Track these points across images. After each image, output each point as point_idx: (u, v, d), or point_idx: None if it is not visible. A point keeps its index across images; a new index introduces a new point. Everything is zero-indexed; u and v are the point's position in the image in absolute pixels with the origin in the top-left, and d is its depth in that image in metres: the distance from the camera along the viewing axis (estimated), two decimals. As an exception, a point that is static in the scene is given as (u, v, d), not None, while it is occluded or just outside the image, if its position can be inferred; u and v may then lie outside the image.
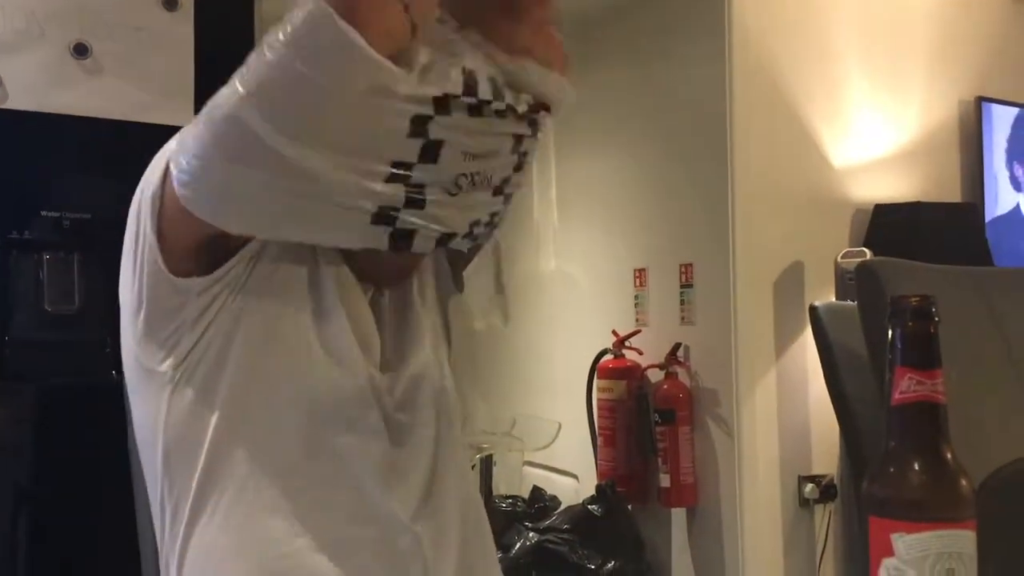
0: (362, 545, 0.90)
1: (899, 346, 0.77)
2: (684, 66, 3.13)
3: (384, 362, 0.97)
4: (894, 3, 3.33)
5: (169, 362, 0.90)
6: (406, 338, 1.00)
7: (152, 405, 0.93)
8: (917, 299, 0.77)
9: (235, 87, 0.77)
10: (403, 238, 0.82)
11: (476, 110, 0.82)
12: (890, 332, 0.78)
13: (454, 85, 0.80)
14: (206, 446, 0.90)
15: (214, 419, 0.90)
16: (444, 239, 0.85)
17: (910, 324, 0.77)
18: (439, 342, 1.06)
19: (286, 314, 0.91)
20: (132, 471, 1.10)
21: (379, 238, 0.81)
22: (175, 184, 0.82)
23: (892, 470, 0.76)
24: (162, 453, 0.92)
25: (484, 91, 0.82)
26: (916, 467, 0.75)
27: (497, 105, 0.83)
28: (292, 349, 0.91)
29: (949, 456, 0.75)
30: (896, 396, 0.76)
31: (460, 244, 0.89)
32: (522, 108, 0.85)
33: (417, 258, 1.01)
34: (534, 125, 0.90)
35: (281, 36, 0.76)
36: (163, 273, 0.88)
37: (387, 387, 0.96)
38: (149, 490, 0.96)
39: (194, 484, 0.90)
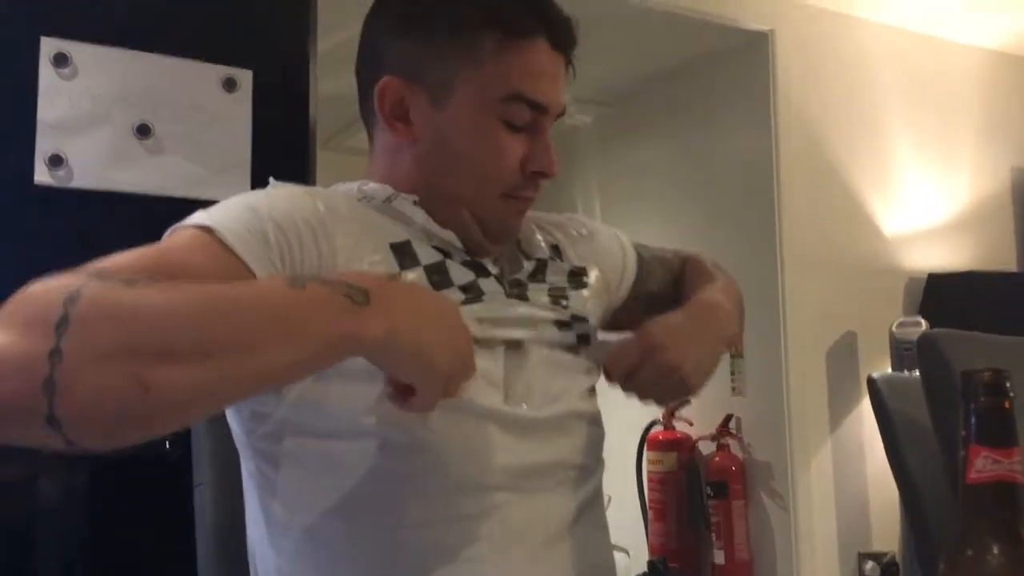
0: None
1: (972, 423, 0.74)
2: (730, 135, 3.14)
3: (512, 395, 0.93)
4: (942, 72, 3.32)
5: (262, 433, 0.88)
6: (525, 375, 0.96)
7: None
8: (989, 373, 0.75)
9: None
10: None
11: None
12: (962, 409, 0.75)
13: None
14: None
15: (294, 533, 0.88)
16: None
17: (983, 400, 0.74)
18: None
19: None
20: (198, 549, 1.08)
21: None
22: None
23: (969, 554, 0.73)
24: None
25: None
26: (995, 551, 0.72)
27: None
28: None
29: (1029, 539, 0.72)
30: (971, 475, 0.73)
31: None
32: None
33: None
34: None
35: None
36: None
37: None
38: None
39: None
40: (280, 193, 0.89)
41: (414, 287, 0.85)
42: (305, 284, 0.70)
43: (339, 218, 0.89)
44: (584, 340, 1.00)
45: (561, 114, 0.98)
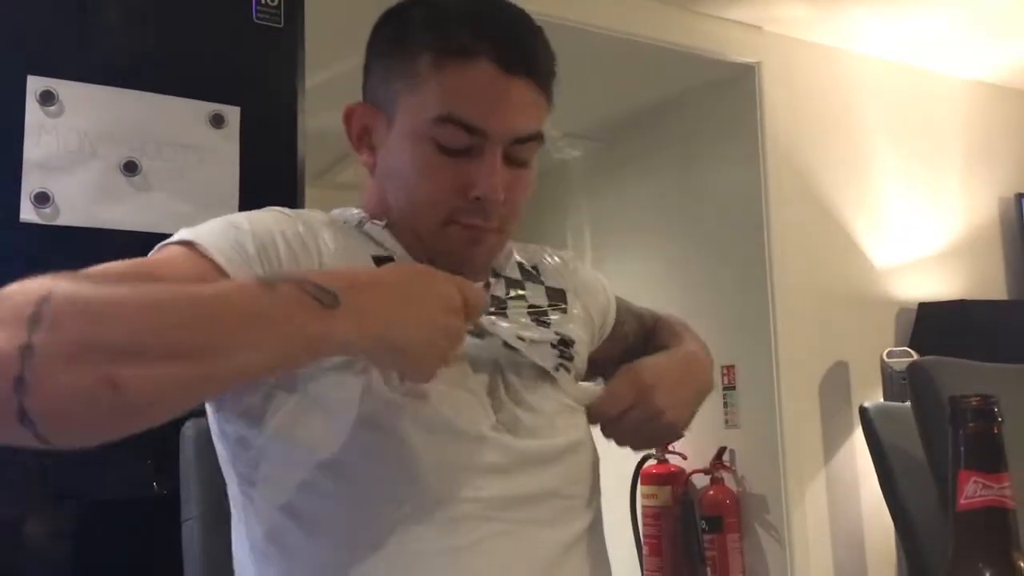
0: None
1: (962, 449, 0.73)
2: (719, 167, 3.16)
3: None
4: (928, 103, 3.35)
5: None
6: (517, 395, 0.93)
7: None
8: (977, 399, 0.74)
9: None
10: None
11: None
12: (951, 434, 0.75)
13: None
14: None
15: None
16: None
17: (971, 425, 0.74)
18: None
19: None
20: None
21: None
22: None
23: (962, 580, 0.72)
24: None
25: None
26: (988, 577, 0.71)
27: None
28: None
29: (1022, 564, 0.72)
30: (961, 501, 0.73)
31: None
32: None
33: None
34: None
35: None
36: None
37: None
38: None
39: None
40: (261, 213, 0.91)
41: (381, 275, 0.81)
42: (276, 285, 0.69)
43: (319, 234, 0.90)
44: (568, 359, 0.98)
45: (531, 139, 0.91)
